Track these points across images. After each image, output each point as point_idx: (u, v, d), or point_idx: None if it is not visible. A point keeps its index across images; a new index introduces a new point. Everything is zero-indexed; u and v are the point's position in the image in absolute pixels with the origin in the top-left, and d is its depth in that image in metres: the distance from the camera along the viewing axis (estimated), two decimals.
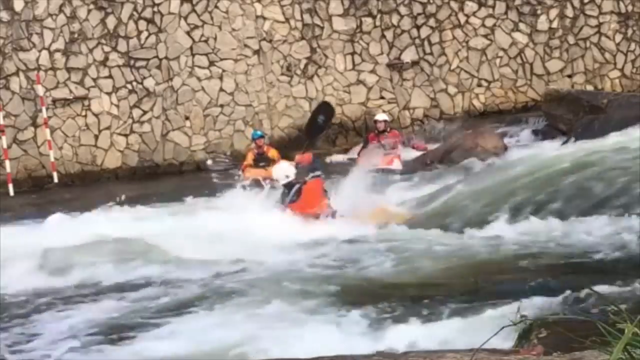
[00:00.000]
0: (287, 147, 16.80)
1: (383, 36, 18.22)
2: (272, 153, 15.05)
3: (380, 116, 15.61)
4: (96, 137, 17.34)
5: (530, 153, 12.02)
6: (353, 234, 9.01)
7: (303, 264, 7.98)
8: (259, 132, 15.68)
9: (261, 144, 15.21)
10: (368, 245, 8.52)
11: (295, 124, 17.92)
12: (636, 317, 2.15)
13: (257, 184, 13.10)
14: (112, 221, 10.73)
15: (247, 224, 9.50)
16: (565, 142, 12.47)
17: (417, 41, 18.31)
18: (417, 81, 18.35)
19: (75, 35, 17.19)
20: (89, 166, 17.32)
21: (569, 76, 18.60)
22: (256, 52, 17.79)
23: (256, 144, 15.21)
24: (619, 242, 7.27)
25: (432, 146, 15.29)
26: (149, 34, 17.43)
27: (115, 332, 6.40)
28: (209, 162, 15.64)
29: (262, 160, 14.88)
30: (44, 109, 16.87)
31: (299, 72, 17.96)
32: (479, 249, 7.80)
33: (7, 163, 16.48)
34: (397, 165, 14.21)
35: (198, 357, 5.65)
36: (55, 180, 16.85)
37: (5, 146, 16.61)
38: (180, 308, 6.82)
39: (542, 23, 18.52)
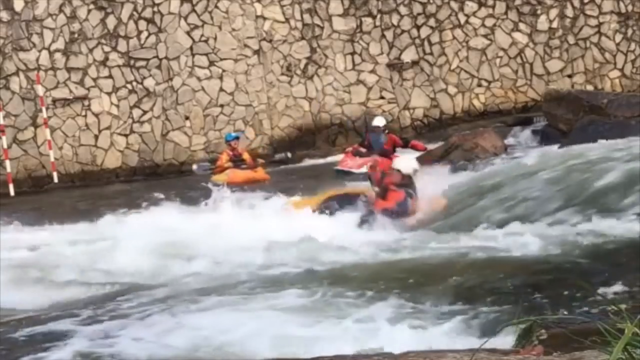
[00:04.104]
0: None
1: (383, 36, 18.23)
2: (245, 155, 15.29)
3: (377, 121, 15.57)
4: (96, 137, 17.35)
5: (532, 153, 12.04)
6: (349, 232, 9.02)
7: (300, 263, 7.99)
8: (233, 134, 15.88)
9: (236, 146, 15.38)
10: (365, 244, 8.52)
11: (295, 124, 17.94)
12: (636, 317, 2.15)
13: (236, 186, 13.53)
14: None
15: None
16: (562, 146, 12.46)
17: (417, 41, 18.32)
18: (417, 81, 18.36)
19: (75, 35, 17.20)
20: (89, 166, 17.33)
21: (569, 76, 18.61)
22: (256, 52, 17.80)
23: (231, 146, 15.36)
24: (618, 241, 7.27)
25: (431, 146, 15.28)
26: (149, 34, 17.44)
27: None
28: (194, 166, 15.76)
29: (238, 162, 15.07)
30: (44, 109, 16.88)
31: (299, 72, 17.96)
32: (478, 249, 7.80)
33: (7, 163, 16.49)
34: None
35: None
36: (55, 180, 16.86)
37: (5, 146, 16.62)
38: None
39: (542, 23, 18.52)
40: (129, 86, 17.39)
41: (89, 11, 17.23)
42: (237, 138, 15.66)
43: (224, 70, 17.67)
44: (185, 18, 17.53)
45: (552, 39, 18.58)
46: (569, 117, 14.25)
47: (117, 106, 17.37)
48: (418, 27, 18.31)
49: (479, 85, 18.51)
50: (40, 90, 16.86)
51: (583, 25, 18.63)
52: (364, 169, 13.60)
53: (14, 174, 16.68)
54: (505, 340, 3.81)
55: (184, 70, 17.53)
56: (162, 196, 11.98)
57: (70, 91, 17.23)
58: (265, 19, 17.82)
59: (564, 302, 5.69)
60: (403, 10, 18.25)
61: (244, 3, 17.69)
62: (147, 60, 17.43)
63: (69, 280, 8.35)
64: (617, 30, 18.68)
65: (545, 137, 14.89)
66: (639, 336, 2.10)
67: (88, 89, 17.27)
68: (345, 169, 14.62)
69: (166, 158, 17.62)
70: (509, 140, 15.32)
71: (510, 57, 18.53)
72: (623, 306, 2.45)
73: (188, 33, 17.56)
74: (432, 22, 18.33)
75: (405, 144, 15.30)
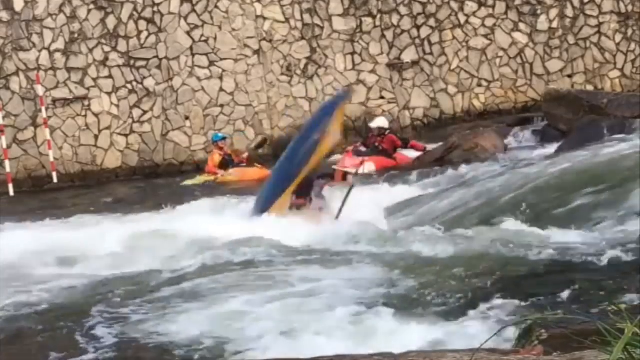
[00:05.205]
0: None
1: (383, 36, 18.23)
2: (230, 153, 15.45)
3: (376, 122, 15.56)
4: (96, 137, 17.35)
5: (532, 154, 12.05)
6: (349, 231, 9.02)
7: (295, 260, 8.00)
8: (220, 135, 15.96)
9: (223, 146, 15.47)
10: (365, 243, 8.52)
11: (295, 124, 17.93)
12: (636, 317, 2.15)
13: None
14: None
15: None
16: (561, 146, 12.44)
17: (417, 41, 18.32)
18: (417, 81, 18.36)
19: (75, 35, 17.20)
20: (89, 166, 17.33)
21: (569, 76, 18.61)
22: (256, 52, 17.79)
23: (218, 146, 15.43)
24: (618, 241, 7.27)
25: (431, 146, 15.28)
26: (149, 34, 17.44)
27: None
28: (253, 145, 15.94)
29: (230, 162, 15.17)
30: (43, 109, 16.88)
31: (299, 72, 17.96)
32: (478, 249, 7.79)
33: (7, 163, 16.49)
34: (366, 169, 14.10)
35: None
36: (55, 180, 16.86)
37: (5, 146, 16.62)
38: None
39: (542, 23, 18.52)
40: (129, 86, 17.39)
41: (89, 11, 17.23)
42: (224, 138, 15.80)
43: (224, 70, 17.67)
44: (185, 18, 17.53)
45: (552, 39, 18.58)
46: (569, 117, 14.23)
47: (117, 106, 17.37)
48: (418, 27, 18.31)
49: (479, 85, 18.51)
50: (40, 90, 16.86)
51: (583, 25, 18.63)
52: (361, 170, 13.60)
53: (13, 174, 16.68)
54: (505, 340, 3.81)
55: (184, 70, 17.53)
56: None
57: (70, 91, 17.23)
58: (265, 19, 17.82)
59: (564, 302, 5.69)
60: (403, 10, 18.25)
61: (244, 3, 17.69)
62: (147, 60, 17.43)
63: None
64: (617, 30, 18.68)
65: (545, 137, 14.88)
66: (639, 336, 2.10)
67: (88, 89, 17.26)
68: (342, 169, 14.54)
69: (166, 158, 17.61)
70: (509, 140, 15.31)
71: (510, 57, 18.53)
72: (623, 306, 2.45)
73: (188, 33, 17.56)
74: (432, 22, 18.33)
75: (405, 144, 15.32)
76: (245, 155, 15.56)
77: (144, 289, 7.60)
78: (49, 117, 16.98)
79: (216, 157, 15.37)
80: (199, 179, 15.28)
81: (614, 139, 10.80)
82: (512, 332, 3.88)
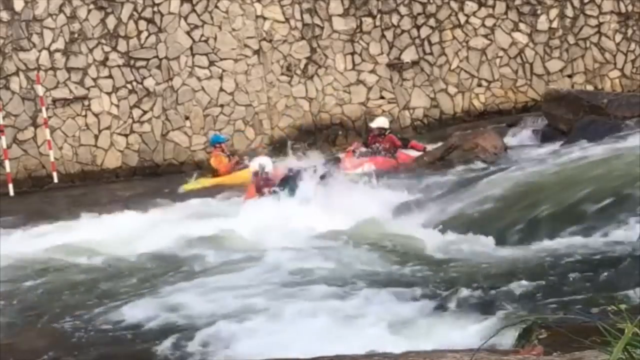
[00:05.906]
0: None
1: (383, 36, 18.22)
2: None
3: (376, 122, 15.56)
4: (96, 137, 17.34)
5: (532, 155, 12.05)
6: (348, 231, 9.04)
7: (300, 259, 8.00)
8: (222, 137, 15.92)
9: (224, 148, 15.45)
10: (364, 243, 8.53)
11: (295, 124, 17.94)
12: (636, 317, 2.15)
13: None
14: None
15: None
16: (561, 146, 12.43)
17: (417, 41, 18.31)
18: (417, 81, 18.35)
19: (75, 35, 17.19)
20: (89, 166, 17.32)
21: (569, 76, 18.60)
22: (256, 52, 17.79)
23: (221, 148, 15.39)
24: (618, 242, 7.27)
25: (431, 146, 15.26)
26: (149, 34, 17.43)
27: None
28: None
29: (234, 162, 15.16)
30: (43, 109, 16.87)
31: (299, 72, 17.96)
32: (478, 250, 7.79)
33: (7, 163, 16.48)
34: (365, 169, 14.07)
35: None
36: (55, 180, 16.85)
37: (5, 146, 16.61)
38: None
39: (542, 23, 18.52)
40: (129, 86, 17.39)
41: (89, 11, 17.22)
42: (226, 140, 15.80)
43: (224, 70, 17.66)
44: (185, 18, 17.52)
45: (552, 39, 18.57)
46: (569, 117, 14.22)
47: (117, 106, 17.36)
48: (418, 27, 18.30)
49: (479, 85, 18.50)
50: (40, 90, 16.86)
51: (583, 25, 18.62)
52: (360, 170, 13.59)
53: (14, 174, 16.67)
54: (505, 340, 3.81)
55: (184, 70, 17.53)
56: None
57: (70, 91, 17.22)
58: (265, 19, 17.81)
59: (564, 302, 5.69)
60: (403, 10, 18.25)
61: (244, 3, 17.68)
62: (147, 60, 17.43)
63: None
64: (617, 30, 18.68)
65: (545, 137, 14.87)
66: (639, 336, 2.10)
67: (88, 89, 17.26)
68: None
69: (166, 158, 17.61)
70: (509, 140, 15.30)
71: (510, 57, 18.52)
72: (623, 306, 2.45)
73: (188, 33, 17.56)
74: (432, 22, 18.32)
75: (405, 145, 15.29)
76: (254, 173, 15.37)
77: (139, 285, 7.60)
78: (49, 117, 16.97)
79: (222, 159, 15.23)
80: (201, 182, 15.10)
81: (613, 139, 10.81)
82: (512, 332, 3.88)
